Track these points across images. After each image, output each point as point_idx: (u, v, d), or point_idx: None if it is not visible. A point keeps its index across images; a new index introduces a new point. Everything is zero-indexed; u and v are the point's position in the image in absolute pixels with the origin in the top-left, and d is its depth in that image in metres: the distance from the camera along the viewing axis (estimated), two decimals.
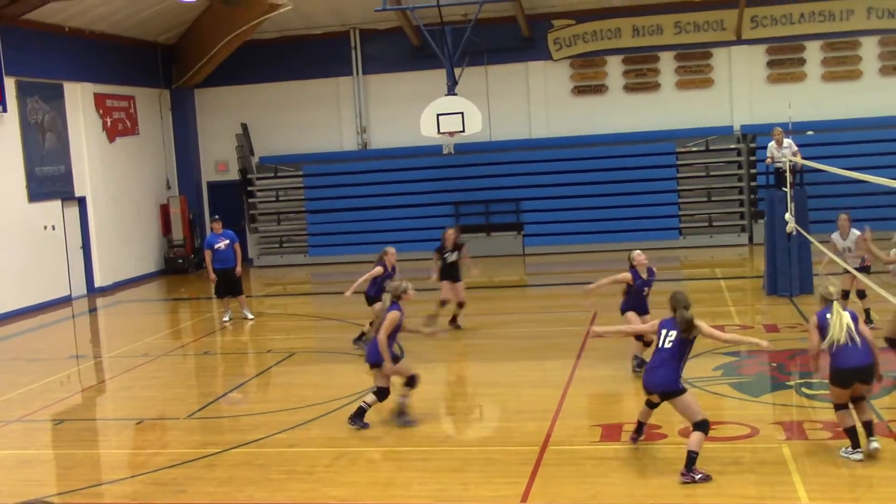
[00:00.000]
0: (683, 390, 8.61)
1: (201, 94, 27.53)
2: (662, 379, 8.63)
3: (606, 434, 9.82)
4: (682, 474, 8.34)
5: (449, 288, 15.38)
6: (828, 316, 8.51)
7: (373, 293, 14.09)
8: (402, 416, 10.56)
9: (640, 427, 9.33)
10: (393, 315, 10.38)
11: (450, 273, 15.41)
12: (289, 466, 9.43)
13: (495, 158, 26.14)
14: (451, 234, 15.46)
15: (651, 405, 9.15)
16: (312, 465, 9.42)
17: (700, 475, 8.31)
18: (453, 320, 15.57)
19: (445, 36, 20.96)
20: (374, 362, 10.46)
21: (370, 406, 10.52)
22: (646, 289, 12.15)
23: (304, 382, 13.17)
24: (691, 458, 8.35)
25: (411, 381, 10.59)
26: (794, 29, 25.03)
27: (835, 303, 8.53)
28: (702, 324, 8.76)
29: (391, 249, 14.53)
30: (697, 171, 25.20)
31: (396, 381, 10.69)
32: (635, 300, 12.06)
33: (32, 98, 21.45)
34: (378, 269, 14.15)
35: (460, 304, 15.58)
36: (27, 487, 9.24)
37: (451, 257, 15.43)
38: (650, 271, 12.23)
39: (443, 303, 15.41)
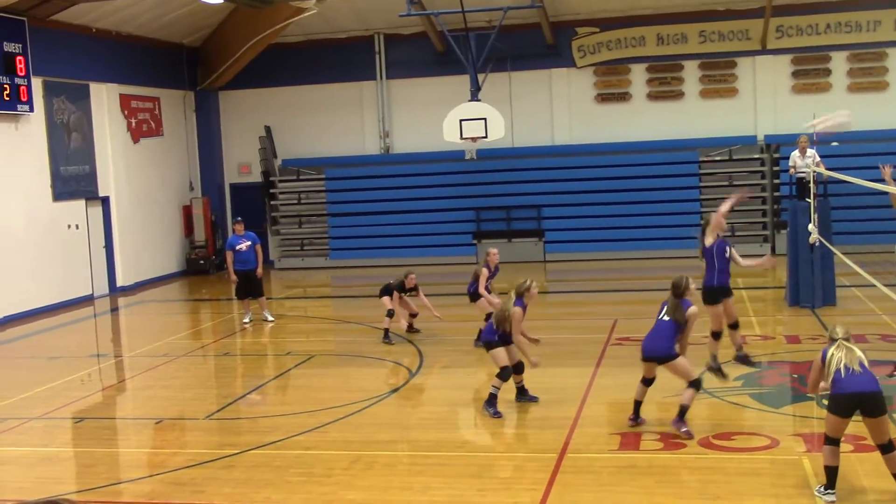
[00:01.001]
0: (676, 355, 9.91)
1: (225, 97, 27.68)
2: (661, 346, 9.93)
3: (625, 443, 9.79)
4: (674, 422, 9.82)
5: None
6: (831, 350, 8.10)
7: (473, 290, 14.68)
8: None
9: (636, 408, 10.27)
10: (518, 311, 10.95)
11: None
12: (306, 469, 9.45)
13: (517, 165, 26.13)
14: (413, 278, 15.53)
15: (646, 382, 10.22)
16: (330, 468, 9.43)
17: (685, 429, 9.72)
18: (410, 328, 15.82)
19: (469, 42, 20.99)
20: (485, 341, 11.30)
21: (498, 389, 10.98)
22: (727, 248, 11.97)
23: (323, 385, 13.19)
24: (682, 409, 9.81)
25: (502, 375, 11.01)
26: (819, 39, 24.90)
27: (840, 341, 8.13)
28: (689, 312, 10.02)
29: (493, 250, 15.13)
30: (720, 180, 25.09)
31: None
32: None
33: (59, 98, 21.63)
34: (484, 271, 14.67)
35: (413, 315, 15.78)
36: (47, 485, 9.30)
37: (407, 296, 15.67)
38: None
39: (391, 312, 15.42)
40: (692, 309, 10.07)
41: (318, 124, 27.33)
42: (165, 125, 26.03)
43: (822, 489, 8.06)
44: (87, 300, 22.05)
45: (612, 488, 8.59)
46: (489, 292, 14.67)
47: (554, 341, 15.20)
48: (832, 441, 8.04)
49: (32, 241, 20.60)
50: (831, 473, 8.02)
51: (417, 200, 26.32)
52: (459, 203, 26.11)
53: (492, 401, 10.95)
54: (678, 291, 10.11)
